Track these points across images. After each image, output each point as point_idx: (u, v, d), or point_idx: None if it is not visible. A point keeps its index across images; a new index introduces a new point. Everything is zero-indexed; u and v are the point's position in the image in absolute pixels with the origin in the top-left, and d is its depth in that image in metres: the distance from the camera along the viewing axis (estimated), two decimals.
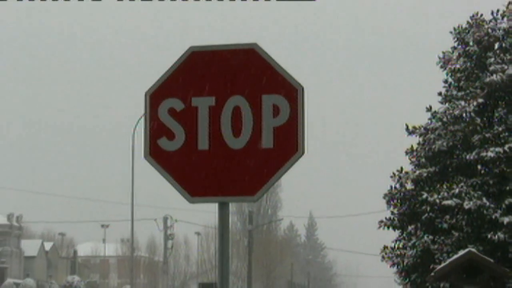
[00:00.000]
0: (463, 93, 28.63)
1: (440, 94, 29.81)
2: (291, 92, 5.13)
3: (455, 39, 29.53)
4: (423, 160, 29.43)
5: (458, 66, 29.06)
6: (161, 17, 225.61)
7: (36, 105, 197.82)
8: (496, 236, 26.18)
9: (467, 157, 27.84)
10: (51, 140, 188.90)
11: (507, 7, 28.53)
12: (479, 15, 29.03)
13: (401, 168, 29.80)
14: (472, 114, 28.10)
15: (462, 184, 27.14)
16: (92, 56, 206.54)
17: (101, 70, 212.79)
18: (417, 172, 28.90)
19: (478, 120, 28.34)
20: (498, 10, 28.87)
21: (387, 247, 30.10)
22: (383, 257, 30.02)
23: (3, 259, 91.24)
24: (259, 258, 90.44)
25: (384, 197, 29.81)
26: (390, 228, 29.65)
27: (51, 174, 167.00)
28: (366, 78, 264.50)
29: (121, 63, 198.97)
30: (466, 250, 21.84)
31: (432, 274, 24.40)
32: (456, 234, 26.95)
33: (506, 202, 26.95)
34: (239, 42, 5.32)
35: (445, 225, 27.47)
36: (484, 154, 26.96)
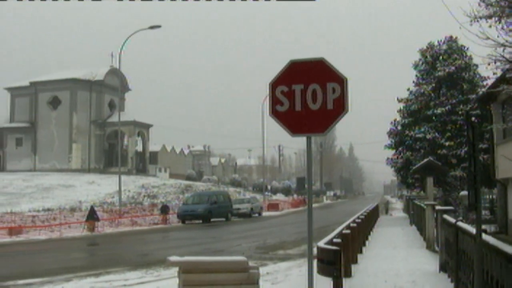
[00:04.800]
0: (424, 81, 46.28)
1: (413, 82, 47.64)
2: (341, 81, 8.00)
3: (420, 54, 47.38)
4: (405, 114, 46.65)
5: (422, 68, 47.06)
6: None
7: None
8: (442, 152, 42.29)
9: (427, 113, 44.50)
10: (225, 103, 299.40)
11: (445, 39, 46.24)
12: (431, 42, 47.07)
13: (395, 119, 47.99)
14: (429, 91, 45.31)
15: (425, 126, 43.98)
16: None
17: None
18: (403, 120, 46.81)
19: (432, 94, 45.31)
20: (441, 40, 46.83)
21: (389, 158, 49.22)
22: (387, 163, 49.71)
23: (202, 167, 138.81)
24: (325, 165, 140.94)
25: (387, 133, 48.14)
26: (390, 149, 48.58)
27: (224, 123, 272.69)
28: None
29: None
30: (427, 159, 31.64)
31: (411, 171, 37.84)
32: (422, 151, 41.73)
33: (447, 134, 42.92)
34: None
35: (417, 147, 44.16)
36: (435, 111, 43.88)
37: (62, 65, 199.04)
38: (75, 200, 59.34)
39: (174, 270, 10.56)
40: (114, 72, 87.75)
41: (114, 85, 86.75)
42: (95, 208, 41.58)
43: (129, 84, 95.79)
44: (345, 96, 8.00)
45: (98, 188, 69.15)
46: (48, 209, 50.84)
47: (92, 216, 38.45)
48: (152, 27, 48.59)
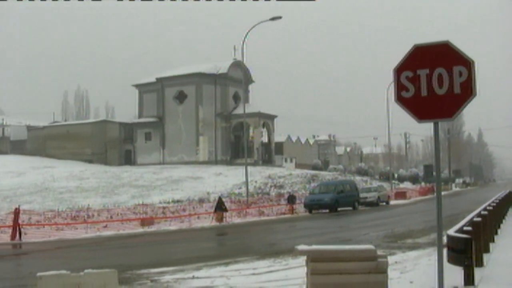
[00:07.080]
0: None
1: None
2: (468, 64, 7.86)
3: None
4: None
5: None
6: None
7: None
8: None
9: None
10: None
11: None
12: None
13: None
14: None
15: None
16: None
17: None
18: None
19: None
20: None
21: None
22: None
23: (328, 156, 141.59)
24: (454, 151, 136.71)
25: None
26: None
27: (349, 112, 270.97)
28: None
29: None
30: None
31: None
32: None
33: None
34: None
35: None
36: None
37: (186, 60, 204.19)
38: (203, 192, 60.78)
39: (302, 259, 10.67)
40: (238, 65, 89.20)
41: (238, 78, 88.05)
42: (223, 199, 42.42)
43: (253, 76, 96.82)
44: (472, 79, 7.84)
45: (225, 179, 70.46)
46: (178, 201, 52.53)
47: (220, 207, 39.25)
48: (273, 19, 48.85)
